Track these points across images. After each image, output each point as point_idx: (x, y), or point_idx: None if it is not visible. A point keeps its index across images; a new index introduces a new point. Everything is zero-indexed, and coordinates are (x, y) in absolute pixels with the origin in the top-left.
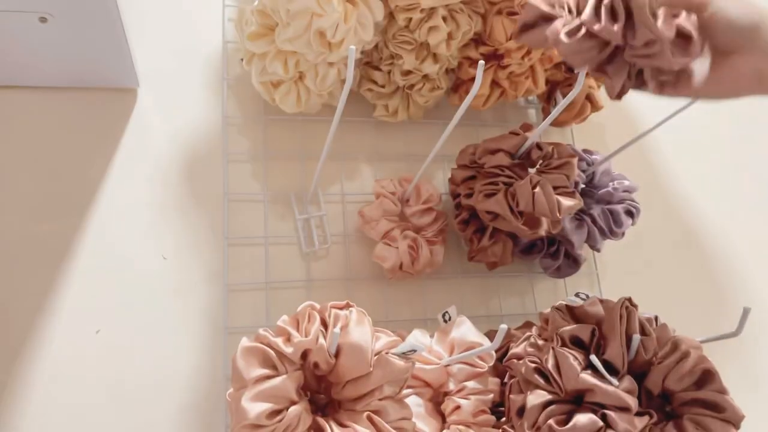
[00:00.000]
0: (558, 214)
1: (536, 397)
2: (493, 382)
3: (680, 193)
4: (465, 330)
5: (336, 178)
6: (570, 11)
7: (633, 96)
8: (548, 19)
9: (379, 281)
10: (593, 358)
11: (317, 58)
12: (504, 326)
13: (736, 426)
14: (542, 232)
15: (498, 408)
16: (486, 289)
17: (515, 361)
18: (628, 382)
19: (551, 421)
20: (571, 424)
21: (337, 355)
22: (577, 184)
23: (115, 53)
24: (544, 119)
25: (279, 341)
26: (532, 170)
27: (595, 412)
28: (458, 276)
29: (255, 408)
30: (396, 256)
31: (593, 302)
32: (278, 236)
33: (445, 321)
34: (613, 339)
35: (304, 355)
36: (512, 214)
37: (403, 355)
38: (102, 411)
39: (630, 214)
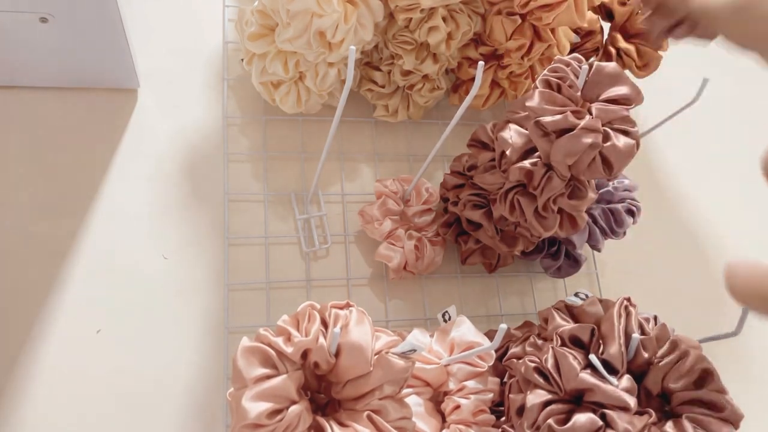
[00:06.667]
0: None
1: (536, 397)
2: (493, 381)
3: (680, 193)
4: (465, 329)
5: (336, 178)
6: None
7: None
8: None
9: (379, 281)
10: (592, 357)
11: (317, 58)
12: (503, 326)
13: (736, 425)
14: (517, 251)
15: (498, 407)
16: (486, 289)
17: (515, 360)
18: (628, 381)
19: (551, 421)
20: (570, 423)
21: (337, 354)
22: None
23: (115, 54)
24: None
25: (279, 341)
26: None
27: (594, 411)
28: (458, 276)
29: (255, 407)
30: (401, 255)
31: (592, 302)
32: (278, 236)
33: (445, 321)
34: (612, 338)
35: (305, 354)
36: (493, 230)
37: (403, 355)
38: (102, 410)
39: (631, 212)
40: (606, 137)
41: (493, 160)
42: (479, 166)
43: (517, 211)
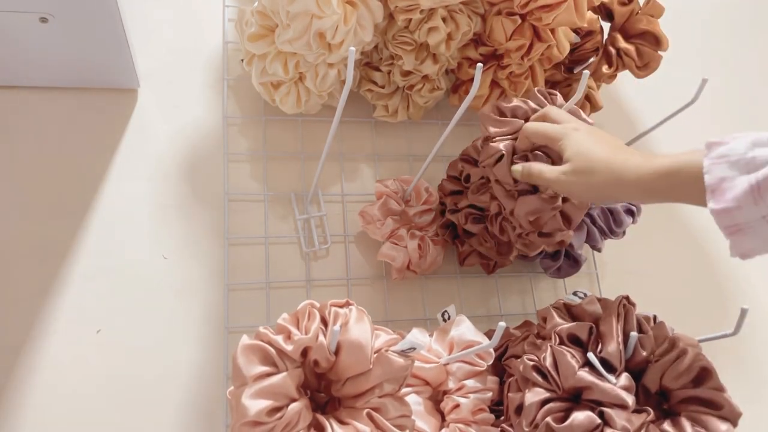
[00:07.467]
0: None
1: (534, 395)
2: (492, 380)
3: None
4: (464, 329)
5: (336, 178)
6: None
7: (633, 96)
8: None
9: (379, 281)
10: (591, 355)
11: (317, 59)
12: (502, 324)
13: (734, 423)
14: (512, 258)
15: (497, 406)
16: (486, 288)
17: (514, 359)
18: (626, 379)
19: (549, 419)
20: (568, 421)
21: (336, 352)
22: None
23: (115, 53)
24: None
25: (279, 339)
26: None
27: (592, 409)
28: (458, 276)
29: (255, 405)
30: (405, 255)
31: (591, 300)
32: (278, 236)
33: (444, 320)
34: (610, 337)
35: (305, 352)
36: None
37: (403, 353)
38: (103, 409)
39: (630, 213)
40: (565, 197)
41: (483, 177)
42: (472, 183)
43: (506, 234)
